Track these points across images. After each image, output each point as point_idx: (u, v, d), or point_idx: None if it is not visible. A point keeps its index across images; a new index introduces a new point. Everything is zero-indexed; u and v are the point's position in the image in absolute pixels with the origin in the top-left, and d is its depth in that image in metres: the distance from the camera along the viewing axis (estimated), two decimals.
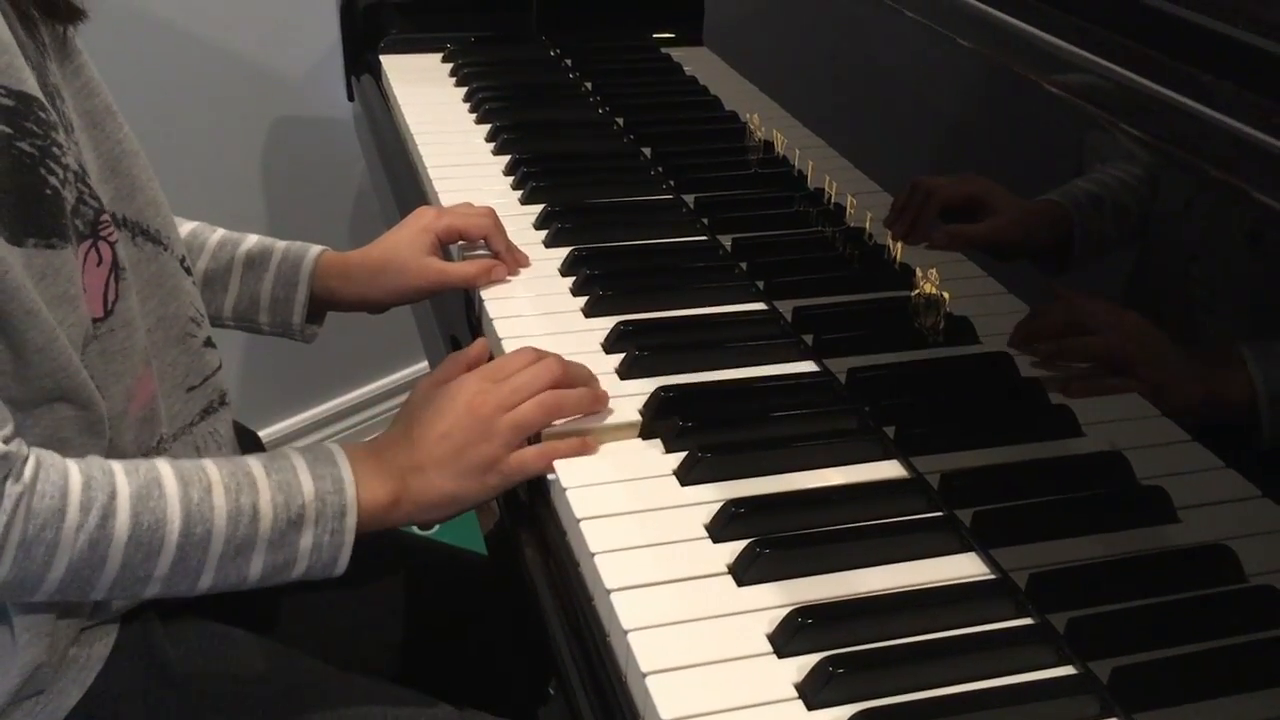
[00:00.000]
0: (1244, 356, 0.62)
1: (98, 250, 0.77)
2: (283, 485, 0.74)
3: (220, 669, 0.83)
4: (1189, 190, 0.67)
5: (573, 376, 0.84)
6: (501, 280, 1.03)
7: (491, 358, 0.89)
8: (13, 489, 0.67)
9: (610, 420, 0.85)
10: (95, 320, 0.77)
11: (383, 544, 1.04)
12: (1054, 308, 0.79)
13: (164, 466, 0.73)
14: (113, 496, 0.70)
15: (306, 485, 0.75)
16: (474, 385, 0.81)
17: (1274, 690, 0.62)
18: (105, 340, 0.78)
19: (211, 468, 0.74)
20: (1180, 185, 0.67)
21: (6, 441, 0.68)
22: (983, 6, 0.84)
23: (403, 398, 2.20)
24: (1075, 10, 0.77)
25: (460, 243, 1.06)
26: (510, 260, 1.04)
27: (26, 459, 0.69)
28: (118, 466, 0.72)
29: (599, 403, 0.84)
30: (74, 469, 0.70)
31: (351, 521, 0.76)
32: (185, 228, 1.00)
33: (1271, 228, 0.61)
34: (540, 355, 0.84)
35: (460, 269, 1.02)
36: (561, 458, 0.80)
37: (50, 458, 0.70)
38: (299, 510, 0.74)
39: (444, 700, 0.87)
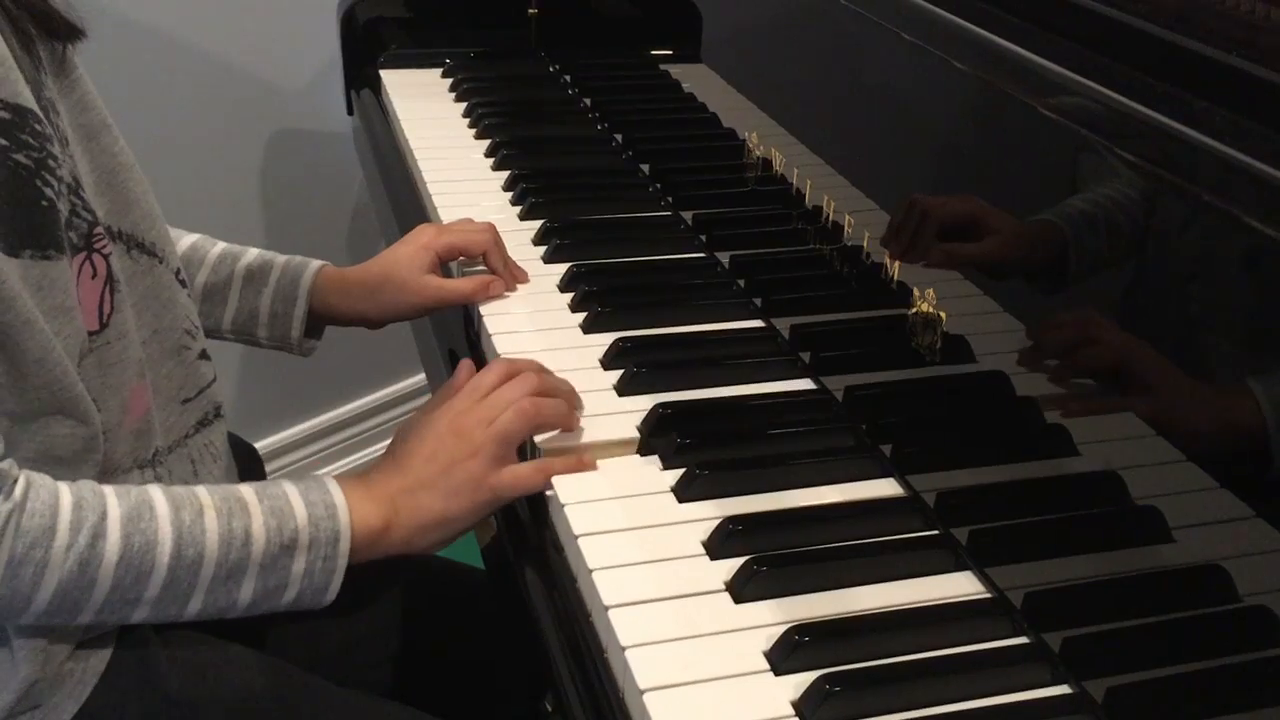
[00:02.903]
0: (1252, 389, 0.63)
1: (92, 263, 0.77)
2: (275, 510, 0.75)
3: (216, 684, 0.83)
4: (1182, 214, 0.67)
5: (550, 387, 0.85)
6: (499, 296, 1.03)
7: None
8: (3, 506, 0.68)
9: (608, 436, 0.85)
10: (91, 333, 0.77)
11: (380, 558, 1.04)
12: (1061, 323, 0.79)
13: (155, 490, 0.74)
14: (103, 517, 0.71)
15: (300, 510, 0.75)
16: (456, 405, 0.82)
17: (1268, 711, 0.62)
18: (101, 353, 0.78)
19: (203, 492, 0.75)
20: (1173, 209, 0.68)
21: (0, 457, 0.68)
22: (979, 31, 0.84)
23: (400, 410, 2.20)
24: (1069, 35, 0.77)
25: (460, 259, 1.06)
26: (509, 276, 1.04)
27: (17, 479, 0.69)
28: (108, 489, 0.72)
29: (575, 416, 0.85)
30: (64, 490, 0.71)
31: (345, 547, 0.76)
32: (186, 240, 1.00)
33: (1264, 253, 0.61)
34: (515, 368, 0.85)
35: (458, 285, 1.02)
36: (558, 474, 0.80)
37: (40, 479, 0.71)
38: (292, 535, 0.75)
39: (440, 715, 0.87)
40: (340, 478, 0.80)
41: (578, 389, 0.88)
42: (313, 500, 0.76)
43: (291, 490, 0.77)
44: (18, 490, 0.68)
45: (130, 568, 0.71)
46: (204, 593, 0.73)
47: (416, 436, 0.82)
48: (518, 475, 0.80)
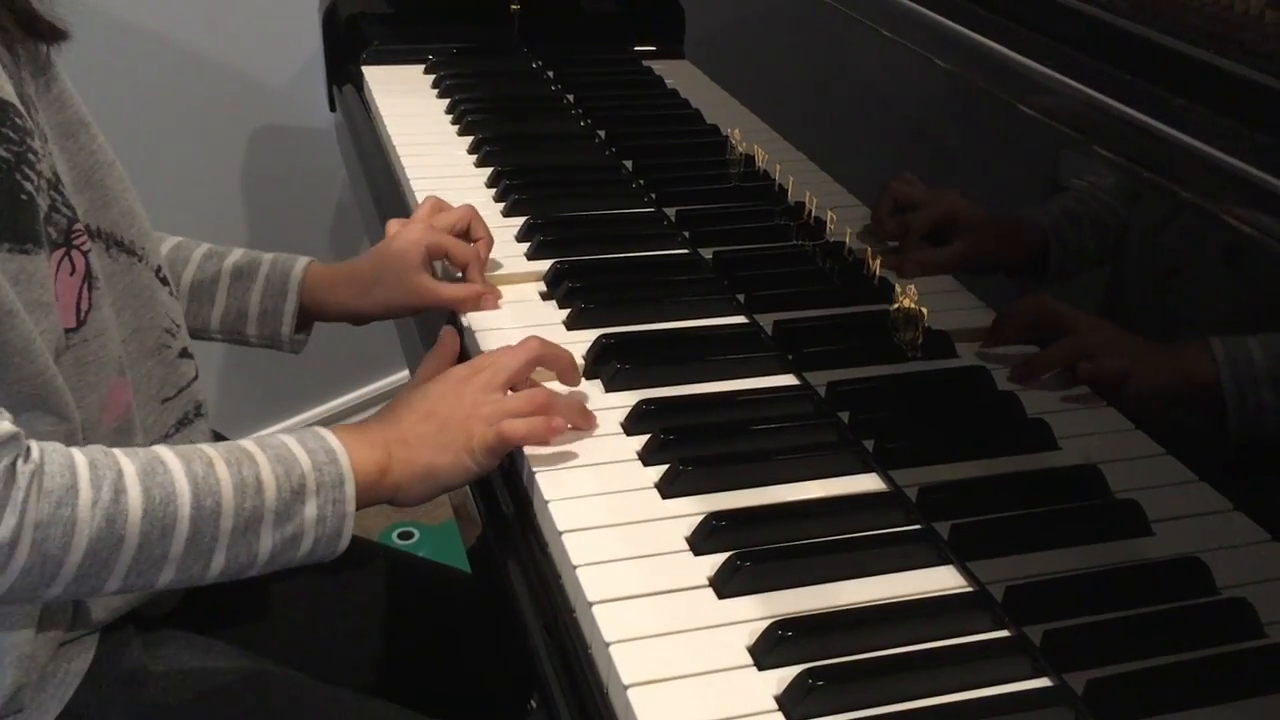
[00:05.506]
0: (1213, 349, 0.64)
1: (71, 259, 0.77)
2: (280, 458, 0.75)
3: (200, 682, 0.83)
4: (1161, 212, 0.68)
5: (553, 358, 0.87)
6: (491, 308, 1.02)
7: (463, 347, 0.94)
8: (24, 468, 0.66)
9: (592, 433, 0.85)
10: (68, 330, 0.77)
11: (367, 558, 1.04)
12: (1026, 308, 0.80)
13: (161, 448, 0.73)
14: (120, 474, 0.70)
15: (302, 457, 0.76)
16: (460, 370, 0.85)
17: (1245, 702, 0.63)
18: (78, 350, 0.78)
19: (207, 447, 0.75)
20: (1152, 207, 0.69)
21: (12, 422, 0.67)
22: (960, 28, 0.85)
23: (382, 407, 2.19)
24: (1050, 33, 0.78)
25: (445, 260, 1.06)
26: (493, 295, 1.03)
27: (29, 442, 0.68)
28: (116, 450, 0.72)
29: (557, 402, 0.85)
30: (76, 451, 0.70)
31: (350, 490, 0.76)
32: (169, 243, 0.99)
33: (1241, 249, 0.62)
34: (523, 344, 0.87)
35: (451, 291, 1.01)
36: (519, 437, 0.81)
37: (50, 443, 0.70)
38: (300, 480, 0.75)
39: (426, 715, 0.87)
40: (333, 426, 0.81)
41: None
42: (312, 447, 0.77)
43: (289, 439, 0.77)
44: (34, 453, 0.67)
45: (155, 521, 0.70)
46: (226, 546, 0.72)
47: (419, 395, 0.83)
48: (485, 435, 0.81)
